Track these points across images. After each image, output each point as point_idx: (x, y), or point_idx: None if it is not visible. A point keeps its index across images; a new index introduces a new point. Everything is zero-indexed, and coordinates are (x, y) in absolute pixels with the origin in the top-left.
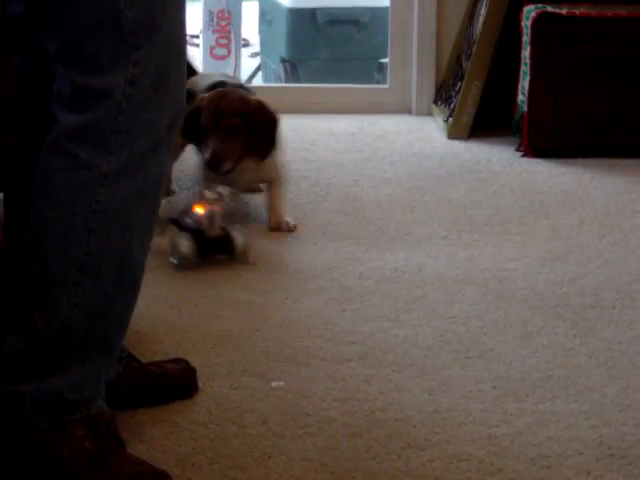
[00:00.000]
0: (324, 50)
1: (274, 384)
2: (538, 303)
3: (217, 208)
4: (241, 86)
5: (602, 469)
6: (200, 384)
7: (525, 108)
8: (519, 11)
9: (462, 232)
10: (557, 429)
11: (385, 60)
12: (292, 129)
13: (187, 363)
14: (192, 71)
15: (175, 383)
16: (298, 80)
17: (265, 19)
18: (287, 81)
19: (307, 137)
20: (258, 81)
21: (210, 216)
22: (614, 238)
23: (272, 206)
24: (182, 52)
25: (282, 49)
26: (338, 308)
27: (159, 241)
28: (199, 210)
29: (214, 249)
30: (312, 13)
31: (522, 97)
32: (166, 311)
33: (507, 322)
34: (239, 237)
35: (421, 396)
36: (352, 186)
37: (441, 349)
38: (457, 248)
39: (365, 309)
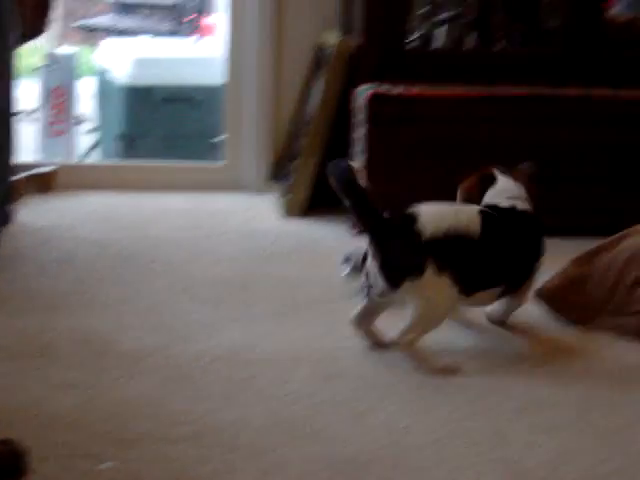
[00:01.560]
0: (160, 127)
1: (103, 466)
2: (371, 382)
3: None
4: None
5: None
6: (30, 466)
7: None
8: (350, 90)
9: (296, 310)
10: None
11: (221, 138)
12: (128, 206)
13: (16, 444)
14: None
15: (2, 464)
16: (135, 157)
17: (101, 96)
18: (124, 158)
19: (143, 214)
20: (96, 158)
21: None
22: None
23: None
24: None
25: (118, 126)
26: (172, 387)
27: None
28: None
29: None
30: (148, 91)
31: None
32: None
33: (339, 401)
34: None
35: (254, 477)
36: (188, 264)
37: (274, 429)
38: (291, 326)
39: (199, 388)
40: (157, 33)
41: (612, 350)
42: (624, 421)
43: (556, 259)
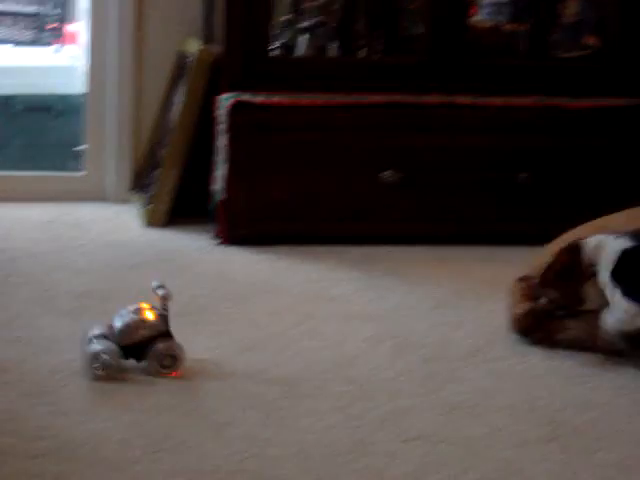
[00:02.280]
0: (19, 137)
1: None
2: (232, 394)
3: None
4: None
5: None
6: None
7: (220, 196)
8: (214, 99)
9: None
10: None
11: (81, 148)
12: None
13: None
14: None
15: None
16: None
17: None
18: None
19: (2, 225)
20: None
21: None
22: (309, 326)
23: None
24: None
25: None
26: (30, 402)
27: None
28: None
29: None
30: (5, 100)
31: (217, 185)
32: None
33: (201, 413)
34: None
35: None
36: (47, 276)
37: (133, 443)
38: None
39: (58, 403)
40: (18, 42)
41: (478, 356)
42: (488, 429)
43: (417, 265)
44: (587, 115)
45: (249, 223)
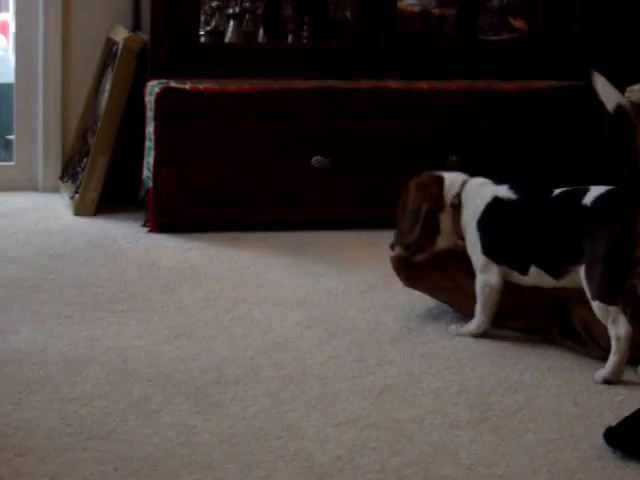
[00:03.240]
0: None
1: None
2: (161, 381)
3: None
4: None
5: None
6: None
7: (150, 184)
8: (144, 86)
9: (86, 310)
10: None
11: (11, 137)
12: None
13: None
14: None
15: None
16: None
17: None
18: None
19: None
20: None
21: None
22: (239, 312)
23: None
24: None
25: None
26: None
27: None
28: None
29: None
30: None
31: (147, 172)
32: None
33: (130, 401)
34: None
35: None
36: None
37: (63, 431)
38: (81, 327)
39: None
40: None
41: (408, 340)
42: (417, 412)
43: (348, 249)
44: (516, 98)
45: (179, 210)
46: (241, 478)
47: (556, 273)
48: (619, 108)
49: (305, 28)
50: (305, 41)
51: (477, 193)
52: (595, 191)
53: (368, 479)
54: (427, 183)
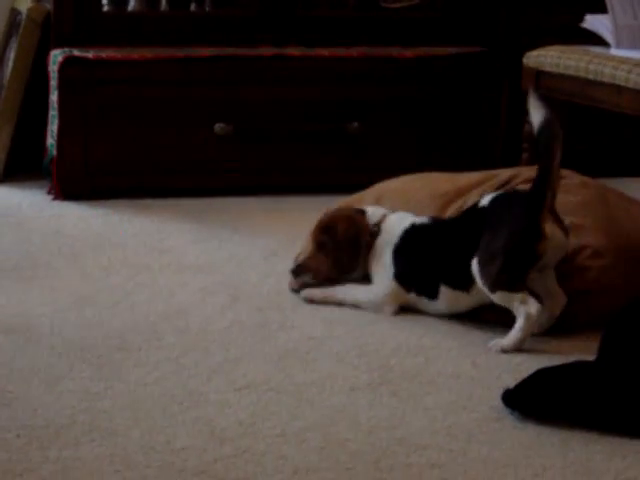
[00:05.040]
0: None
1: None
2: (65, 348)
3: None
4: None
5: None
6: None
7: (54, 152)
8: (47, 55)
9: None
10: (82, 475)
11: None
12: None
13: None
14: None
15: None
16: None
17: None
18: None
19: None
20: None
21: None
22: (142, 279)
23: None
24: None
25: None
26: None
27: None
28: None
29: None
30: None
31: (52, 141)
32: None
33: (33, 369)
34: None
35: None
36: None
37: None
38: None
39: None
40: None
41: (309, 305)
42: (317, 376)
43: (251, 215)
44: (416, 64)
45: (83, 178)
46: (142, 444)
47: (464, 284)
48: (548, 118)
49: None
50: (207, 9)
51: (397, 223)
52: (492, 194)
53: (268, 443)
54: (354, 215)
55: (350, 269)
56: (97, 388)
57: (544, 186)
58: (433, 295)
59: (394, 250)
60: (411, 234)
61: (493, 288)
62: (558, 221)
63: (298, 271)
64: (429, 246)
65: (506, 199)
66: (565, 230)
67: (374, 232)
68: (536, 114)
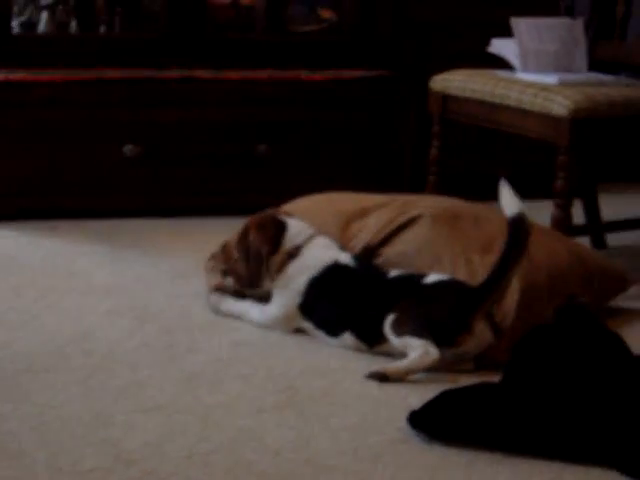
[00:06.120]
0: None
1: None
2: None
3: None
4: None
5: None
6: None
7: None
8: None
9: None
10: None
11: None
12: None
13: None
14: None
15: None
16: None
17: None
18: None
19: None
20: None
21: None
22: (50, 300)
23: None
24: None
25: None
26: None
27: None
28: None
29: None
30: None
31: None
32: None
33: None
34: None
35: None
36: None
37: None
38: None
39: None
40: None
41: (217, 327)
42: (224, 398)
43: (158, 237)
44: (323, 87)
45: None
46: (49, 465)
47: (371, 340)
48: (518, 216)
49: (117, 19)
50: (117, 31)
51: (320, 254)
52: (435, 277)
53: (175, 465)
54: (268, 225)
55: (252, 284)
56: (4, 409)
57: (491, 286)
58: (333, 334)
59: (310, 282)
60: (332, 272)
61: (403, 334)
62: (490, 320)
63: (227, 272)
64: (347, 291)
65: (449, 286)
66: (495, 330)
67: (292, 254)
68: (510, 205)
